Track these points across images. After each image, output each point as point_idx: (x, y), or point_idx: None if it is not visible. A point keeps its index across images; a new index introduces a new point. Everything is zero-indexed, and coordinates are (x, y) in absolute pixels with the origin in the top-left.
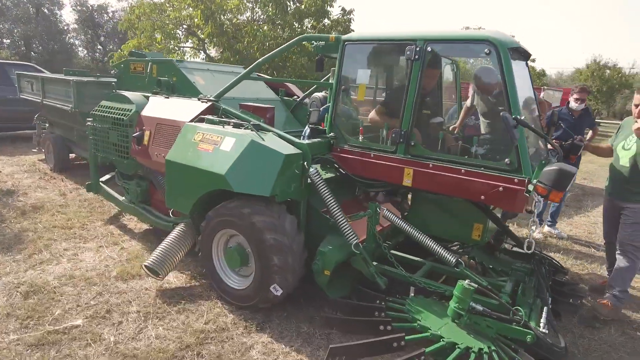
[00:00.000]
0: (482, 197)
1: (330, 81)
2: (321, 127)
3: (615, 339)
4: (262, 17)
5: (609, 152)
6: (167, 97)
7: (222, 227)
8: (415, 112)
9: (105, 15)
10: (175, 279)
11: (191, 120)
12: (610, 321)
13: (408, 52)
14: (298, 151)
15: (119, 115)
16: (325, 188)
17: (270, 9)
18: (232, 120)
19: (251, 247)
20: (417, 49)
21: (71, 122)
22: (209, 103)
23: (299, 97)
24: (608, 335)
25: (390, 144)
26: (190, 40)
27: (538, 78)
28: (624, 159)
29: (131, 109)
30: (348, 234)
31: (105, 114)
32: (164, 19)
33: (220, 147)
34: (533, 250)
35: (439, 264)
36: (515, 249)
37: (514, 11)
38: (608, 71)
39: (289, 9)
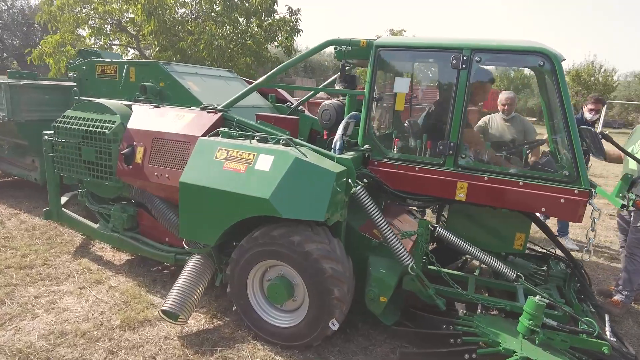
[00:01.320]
0: (543, 209)
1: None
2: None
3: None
4: (208, 13)
5: (619, 158)
6: (158, 107)
7: (262, 258)
8: (463, 123)
9: (2, 4)
10: (193, 320)
11: (204, 134)
12: (625, 315)
13: (454, 61)
14: (343, 168)
15: (96, 128)
16: (373, 207)
17: (217, 6)
18: (257, 134)
19: (304, 279)
20: (464, 58)
21: (0, 134)
22: (218, 114)
23: (291, 103)
24: (631, 329)
25: (437, 156)
26: (117, 38)
27: None
28: (633, 164)
29: (114, 121)
30: (402, 255)
31: (75, 127)
32: (90, 12)
33: (255, 167)
34: (554, 253)
35: (483, 278)
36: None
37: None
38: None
39: (235, 6)
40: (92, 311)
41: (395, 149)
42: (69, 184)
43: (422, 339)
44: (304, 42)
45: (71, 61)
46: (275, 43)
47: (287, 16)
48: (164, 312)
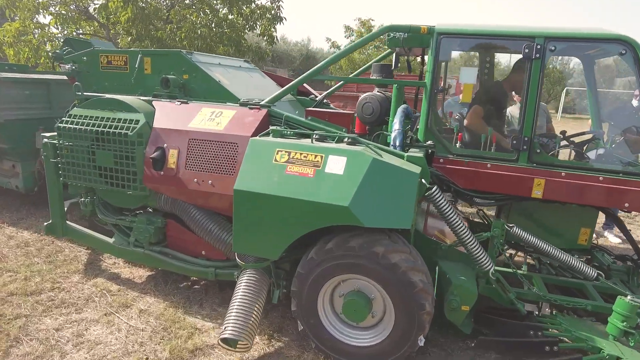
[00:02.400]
0: (627, 204)
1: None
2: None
3: None
4: (183, 1)
5: None
6: (186, 102)
7: (338, 272)
8: (536, 116)
9: None
10: None
11: (254, 134)
12: None
13: (527, 51)
14: (419, 167)
15: (115, 128)
16: (450, 209)
17: None
18: (316, 132)
19: (389, 293)
20: (538, 46)
21: None
22: (263, 110)
23: (315, 95)
24: None
25: (509, 151)
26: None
27: None
28: None
29: (138, 120)
30: (481, 260)
31: (86, 128)
32: None
33: (325, 170)
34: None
35: (549, 276)
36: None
37: None
38: None
39: None
40: (129, 342)
41: (458, 144)
42: (73, 193)
43: (511, 348)
44: (286, 32)
45: (57, 51)
46: (257, 32)
47: (268, 4)
48: (224, 340)
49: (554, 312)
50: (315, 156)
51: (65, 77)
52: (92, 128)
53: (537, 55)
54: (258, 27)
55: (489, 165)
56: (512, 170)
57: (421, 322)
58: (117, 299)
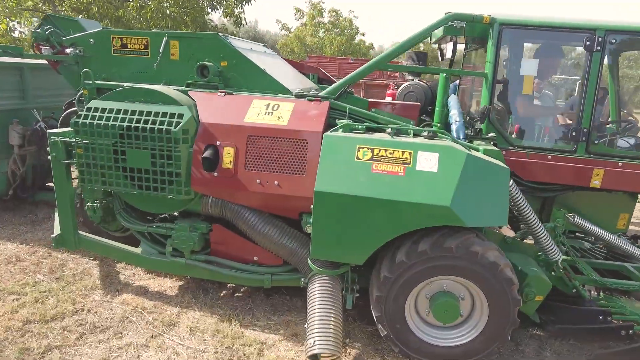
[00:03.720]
0: None
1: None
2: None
3: None
4: None
5: None
6: (230, 93)
7: (432, 274)
8: (595, 108)
9: None
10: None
11: (324, 130)
12: None
13: (588, 43)
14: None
15: (154, 124)
16: (523, 201)
17: None
18: (391, 126)
19: (485, 292)
20: (599, 39)
21: None
22: (325, 102)
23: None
24: None
25: (568, 143)
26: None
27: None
28: None
29: (182, 114)
30: (551, 250)
31: (113, 123)
32: None
33: (416, 167)
34: None
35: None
36: None
37: None
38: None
39: None
40: None
41: (516, 136)
42: (89, 198)
43: (590, 335)
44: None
45: (37, 30)
46: (220, 13)
47: None
48: (313, 356)
49: (600, 294)
50: (403, 152)
51: (42, 62)
52: (122, 124)
53: (598, 48)
54: (220, 8)
55: (549, 157)
56: (571, 162)
57: (514, 317)
58: (158, 317)
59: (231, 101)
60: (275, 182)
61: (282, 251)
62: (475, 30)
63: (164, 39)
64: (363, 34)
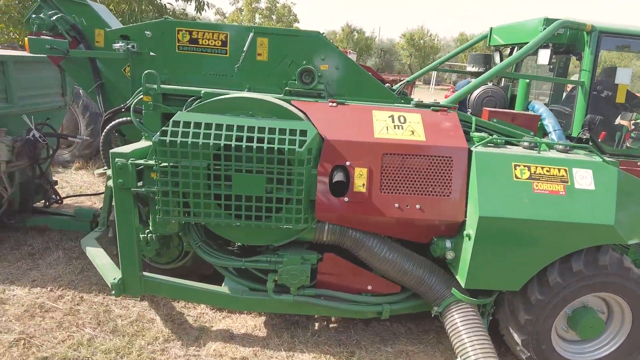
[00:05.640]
0: None
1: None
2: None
3: None
4: None
5: None
6: (343, 103)
7: (583, 293)
8: None
9: None
10: None
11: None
12: None
13: None
14: None
15: (272, 142)
16: None
17: None
18: (525, 139)
19: (632, 304)
20: None
21: None
22: (453, 113)
23: (389, 84)
24: None
25: None
26: None
27: None
28: None
29: (305, 130)
30: None
31: (212, 142)
32: None
33: (575, 186)
34: None
35: None
36: None
37: None
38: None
39: None
40: None
41: (623, 145)
42: (161, 231)
43: None
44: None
45: (41, 16)
46: None
47: None
48: None
49: None
50: (559, 170)
51: (26, 54)
52: (227, 142)
53: None
54: None
55: (638, 164)
56: None
57: None
58: None
59: (348, 112)
60: (417, 206)
61: (408, 279)
62: (573, 38)
63: (250, 35)
64: (298, 22)
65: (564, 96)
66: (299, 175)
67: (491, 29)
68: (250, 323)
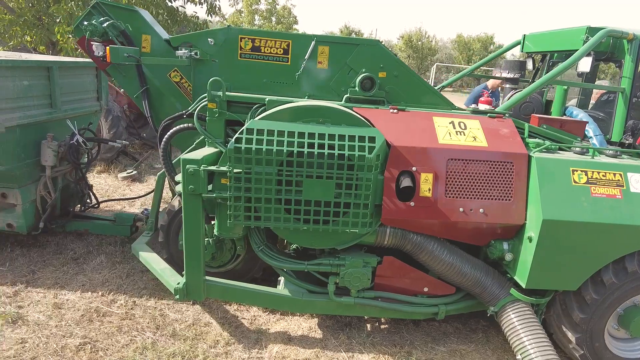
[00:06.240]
0: None
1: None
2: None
3: None
4: None
5: None
6: (403, 110)
7: (637, 292)
8: None
9: None
10: None
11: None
12: None
13: None
14: None
15: (342, 149)
16: None
17: None
18: (576, 145)
19: None
20: None
21: None
22: (509, 119)
23: None
24: None
25: None
26: None
27: None
28: None
29: (373, 136)
30: None
31: (284, 148)
32: None
33: (630, 190)
34: None
35: None
36: None
37: None
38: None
39: None
40: None
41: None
42: (226, 235)
43: None
44: None
45: (94, 22)
46: None
47: None
48: None
49: None
50: (615, 174)
51: (68, 59)
52: (299, 149)
53: None
54: None
55: None
56: None
57: None
58: None
59: (409, 119)
60: (481, 210)
61: (465, 281)
62: (603, 45)
63: (312, 43)
64: (297, 23)
65: (591, 102)
66: (367, 181)
67: (524, 36)
68: (305, 325)
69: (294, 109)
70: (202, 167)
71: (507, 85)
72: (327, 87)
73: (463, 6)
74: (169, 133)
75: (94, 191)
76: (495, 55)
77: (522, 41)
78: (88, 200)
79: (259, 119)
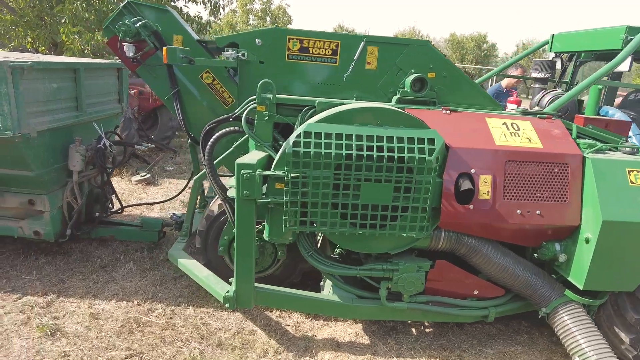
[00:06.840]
0: None
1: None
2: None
3: None
4: None
5: None
6: (455, 111)
7: None
8: None
9: None
10: None
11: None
12: None
13: None
14: None
15: (401, 151)
16: None
17: None
18: (624, 145)
19: None
20: None
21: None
22: (558, 120)
23: None
24: None
25: None
26: None
27: None
28: None
29: (433, 138)
30: None
31: (343, 152)
32: None
33: None
34: None
35: None
36: None
37: None
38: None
39: None
40: None
41: None
42: (277, 240)
43: None
44: None
45: (127, 22)
46: None
47: None
48: None
49: None
50: None
51: (94, 60)
52: (358, 152)
53: None
54: None
55: None
56: None
57: None
58: None
59: (462, 120)
60: (538, 212)
61: (517, 283)
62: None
63: (361, 44)
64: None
65: (616, 100)
66: (425, 184)
67: (552, 35)
68: (350, 330)
69: (350, 110)
70: (257, 172)
71: (537, 85)
72: (375, 88)
73: (456, 5)
74: (214, 137)
75: (112, 196)
76: (524, 55)
77: (550, 41)
78: (110, 205)
79: (315, 122)
